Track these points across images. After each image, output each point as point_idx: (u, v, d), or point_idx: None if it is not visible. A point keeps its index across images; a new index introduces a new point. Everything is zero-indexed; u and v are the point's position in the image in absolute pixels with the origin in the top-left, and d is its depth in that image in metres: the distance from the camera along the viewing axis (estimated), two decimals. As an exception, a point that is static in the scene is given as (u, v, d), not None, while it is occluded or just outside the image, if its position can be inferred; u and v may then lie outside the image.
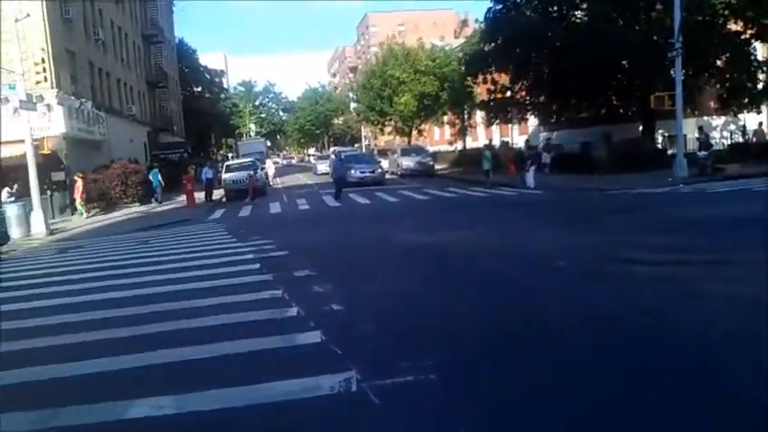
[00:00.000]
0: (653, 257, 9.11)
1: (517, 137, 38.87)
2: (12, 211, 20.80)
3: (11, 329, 7.62)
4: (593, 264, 9.05)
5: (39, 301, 9.18)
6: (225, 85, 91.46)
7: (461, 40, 59.42)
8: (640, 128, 30.56)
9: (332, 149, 61.57)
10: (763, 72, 28.38)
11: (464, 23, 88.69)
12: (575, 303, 6.95)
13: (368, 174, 31.65)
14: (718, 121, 33.60)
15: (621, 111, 31.49)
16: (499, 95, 34.10)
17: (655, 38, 26.31)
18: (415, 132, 56.17)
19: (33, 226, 20.89)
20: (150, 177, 30.58)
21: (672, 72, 23.98)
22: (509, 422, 4.20)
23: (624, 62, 28.40)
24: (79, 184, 24.49)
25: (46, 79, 22.10)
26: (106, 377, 5.64)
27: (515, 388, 4.70)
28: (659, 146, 30.95)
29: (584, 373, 4.90)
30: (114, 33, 39.06)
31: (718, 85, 28.91)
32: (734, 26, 27.63)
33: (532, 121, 39.96)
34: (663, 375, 4.72)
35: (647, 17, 28.16)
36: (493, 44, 32.53)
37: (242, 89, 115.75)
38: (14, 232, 20.53)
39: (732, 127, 33.22)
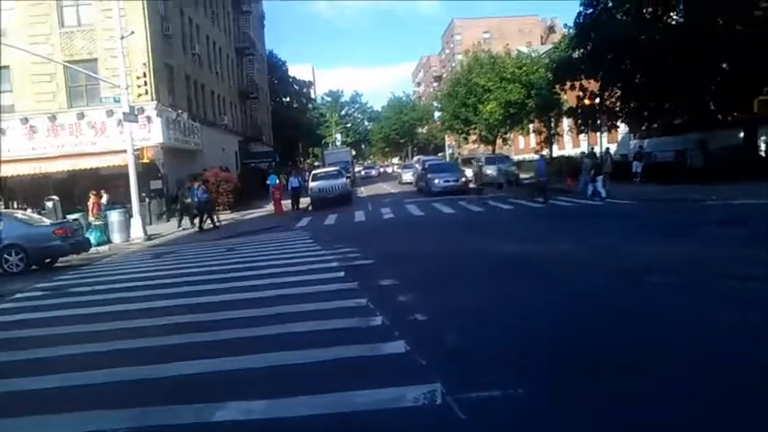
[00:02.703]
0: (756, 273, 8.53)
1: (606, 145, 37.58)
2: (114, 217, 22.09)
3: (114, 329, 8.03)
4: (689, 278, 8.57)
5: (135, 304, 9.64)
6: (312, 96, 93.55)
7: (548, 47, 58.24)
8: (741, 134, 28.82)
9: (416, 158, 61.60)
10: None
11: (551, 29, 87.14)
12: (666, 322, 6.59)
13: (452, 183, 31.45)
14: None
15: (720, 116, 29.84)
16: (588, 102, 33.12)
17: (760, 37, 24.77)
18: (499, 141, 55.44)
19: (133, 231, 22.04)
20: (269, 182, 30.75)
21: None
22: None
23: (724, 65, 26.94)
24: (91, 201, 24.51)
25: (147, 92, 23.26)
26: (196, 380, 5.83)
27: (605, 408, 4.49)
28: (763, 154, 29.09)
29: (681, 392, 4.63)
30: (209, 48, 40.79)
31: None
32: None
33: (622, 129, 38.56)
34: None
35: (750, 15, 26.56)
36: (582, 50, 31.70)
37: (329, 99, 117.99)
38: (115, 237, 21.79)
39: None
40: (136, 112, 23.33)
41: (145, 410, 5.15)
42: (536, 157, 29.95)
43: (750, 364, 5.11)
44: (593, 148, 35.54)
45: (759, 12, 25.67)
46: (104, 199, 25.05)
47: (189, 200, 24.78)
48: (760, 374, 4.88)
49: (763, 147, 29.67)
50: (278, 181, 30.90)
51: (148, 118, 26.99)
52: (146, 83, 22.81)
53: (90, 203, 24.27)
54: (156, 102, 27.74)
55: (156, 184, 28.24)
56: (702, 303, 7.12)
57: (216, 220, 24.17)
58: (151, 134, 27.27)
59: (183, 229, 24.26)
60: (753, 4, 25.43)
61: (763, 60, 23.08)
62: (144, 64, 26.26)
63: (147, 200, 26.46)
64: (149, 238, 22.05)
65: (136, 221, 22.21)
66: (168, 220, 28.25)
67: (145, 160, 24.92)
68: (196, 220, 24.34)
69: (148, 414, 5.09)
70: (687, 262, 9.77)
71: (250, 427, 4.74)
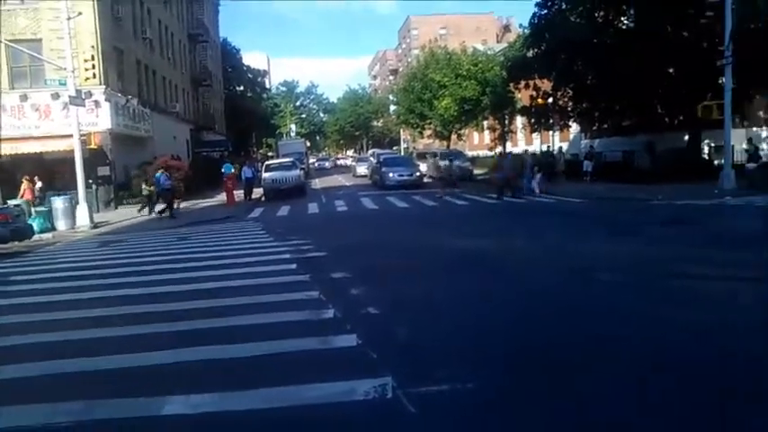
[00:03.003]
0: (699, 271, 8.82)
1: (558, 143, 38.31)
2: (58, 203, 21.39)
3: (56, 320, 7.77)
4: (636, 276, 8.81)
5: (74, 294, 9.35)
6: (267, 86, 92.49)
7: (503, 45, 58.92)
8: (686, 137, 29.81)
9: (370, 151, 61.61)
10: (817, 83, 27.45)
11: (506, 28, 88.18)
12: (615, 319, 6.76)
13: (406, 177, 31.56)
14: (768, 132, 32.59)
15: (667, 119, 30.75)
16: (541, 101, 33.67)
17: (704, 45, 25.65)
18: (454, 136, 55.90)
19: (78, 219, 21.39)
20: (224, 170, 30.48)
21: (721, 81, 23.34)
22: (548, 437, 4.08)
23: (671, 70, 27.77)
24: (24, 187, 23.85)
25: (95, 76, 22.55)
26: (142, 372, 5.69)
27: (555, 404, 4.57)
28: (705, 156, 30.14)
29: (630, 391, 4.74)
30: (161, 32, 39.86)
31: (769, 96, 28.10)
32: (788, 35, 26.78)
33: (574, 128, 39.36)
34: (703, 388, 4.54)
35: (695, 24, 27.46)
36: (536, 50, 32.17)
37: (284, 89, 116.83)
38: (60, 224, 21.12)
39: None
40: (83, 96, 22.60)
41: (89, 403, 4.99)
42: (490, 153, 30.42)
43: (696, 363, 5.26)
44: (549, 147, 36.22)
45: (704, 20, 26.55)
46: (39, 185, 24.19)
47: (153, 187, 24.27)
48: (706, 372, 5.03)
49: (705, 150, 30.75)
50: (233, 170, 30.40)
51: (96, 102, 26.18)
52: (94, 66, 22.10)
53: (22, 189, 23.44)
54: (104, 86, 26.95)
55: (103, 171, 27.43)
56: (648, 302, 7.30)
57: (175, 208, 23.81)
58: (99, 119, 26.50)
59: (152, 216, 23.79)
60: (699, 12, 26.27)
61: (707, 67, 23.89)
62: (92, 46, 25.50)
63: (94, 187, 25.71)
64: (96, 225, 21.44)
65: (82, 208, 21.54)
66: (116, 208, 27.54)
67: (92, 146, 24.15)
68: (157, 207, 23.90)
69: (94, 407, 4.93)
70: (634, 261, 10.02)
71: (198, 420, 4.64)
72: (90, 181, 24.46)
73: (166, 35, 41.18)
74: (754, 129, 31.00)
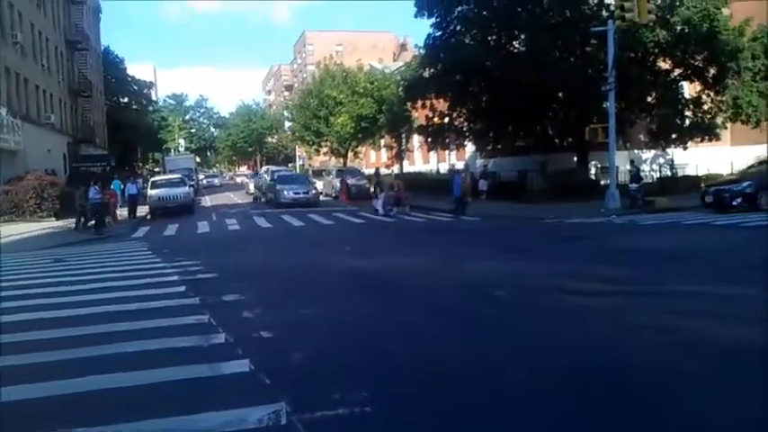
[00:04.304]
0: (589, 287, 9.36)
1: (454, 162, 39.55)
2: None
3: None
4: (528, 294, 9.21)
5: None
6: (153, 98, 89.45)
7: (400, 64, 60.30)
8: (575, 158, 31.67)
9: (264, 168, 60.93)
10: (689, 109, 30.09)
11: (403, 47, 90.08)
12: (512, 336, 7.03)
13: (302, 195, 31.41)
14: (648, 154, 35.23)
15: (557, 141, 32.55)
16: (437, 121, 34.64)
17: (590, 71, 27.45)
18: (351, 154, 56.35)
19: (-66, 239, 19.69)
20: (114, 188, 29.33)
21: (605, 105, 25.04)
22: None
23: (560, 94, 29.48)
24: None
25: (-44, 82, 21.02)
26: (23, 405, 5.29)
27: (451, 425, 4.67)
28: (593, 177, 32.12)
29: (524, 409, 4.93)
30: (34, 37, 37.67)
31: (648, 120, 30.46)
32: (663, 64, 29.24)
33: (470, 148, 40.80)
34: (599, 409, 4.80)
35: (582, 51, 29.37)
36: (432, 70, 33.14)
37: (172, 102, 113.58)
38: None
39: (661, 161, 34.89)
40: (-58, 104, 20.97)
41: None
42: (387, 171, 31.11)
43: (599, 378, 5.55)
44: (453, 166, 37.25)
45: (589, 48, 28.49)
46: None
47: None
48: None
49: (593, 170, 32.80)
50: (122, 187, 29.22)
51: (-42, 111, 24.38)
52: (-44, 71, 20.60)
53: None
54: (-33, 93, 25.14)
55: (-36, 186, 25.51)
56: (544, 319, 7.66)
57: (104, 224, 23.05)
58: (-39, 130, 24.68)
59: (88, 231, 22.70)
60: (584, 40, 28.15)
61: (593, 92, 25.60)
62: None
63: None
64: (-45, 247, 19.80)
65: (-62, 228, 19.88)
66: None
67: (-48, 159, 22.43)
68: (90, 223, 23.04)
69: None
70: (525, 278, 10.48)
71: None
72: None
73: (40, 40, 38.96)
74: (636, 151, 33.47)
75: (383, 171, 40.72)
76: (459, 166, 37.22)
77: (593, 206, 23.16)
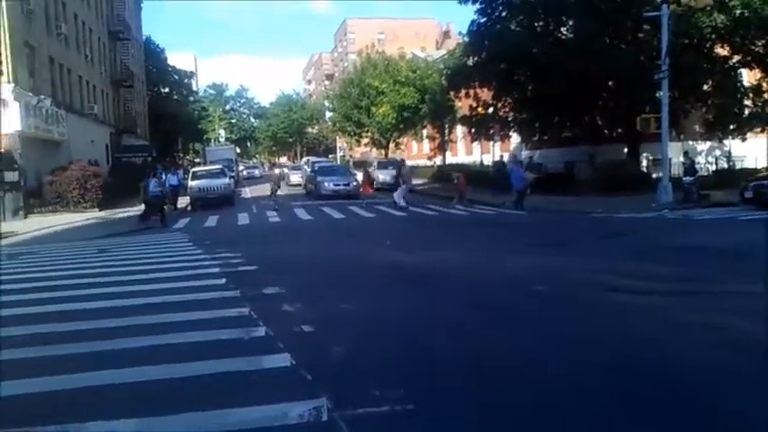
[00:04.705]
0: (636, 285, 9.18)
1: (498, 154, 39.20)
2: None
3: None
4: (572, 290, 9.07)
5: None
6: (194, 88, 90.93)
7: (443, 52, 59.93)
8: (625, 150, 31.04)
9: (305, 159, 61.35)
10: (749, 98, 29.07)
11: (446, 34, 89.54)
12: (555, 332, 6.95)
13: (342, 186, 31.58)
14: (703, 146, 34.28)
15: (606, 131, 31.95)
16: (481, 111, 34.35)
17: (642, 58, 26.82)
18: (392, 145, 56.32)
19: (-18, 229, 20.40)
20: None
21: (658, 94, 24.44)
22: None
23: (610, 82, 28.89)
24: None
25: (2, 73, 21.69)
26: (64, 395, 5.45)
27: (494, 421, 4.65)
28: (644, 169, 31.43)
29: (567, 405, 4.87)
30: (78, 28, 38.61)
31: (704, 110, 29.57)
32: (721, 50, 28.35)
33: (515, 139, 40.39)
34: (643, 406, 4.72)
35: (634, 37, 28.72)
36: (476, 58, 32.83)
37: (212, 92, 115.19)
38: (-39, 235, 20.08)
39: (717, 153, 33.91)
40: (-11, 95, 21.68)
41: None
42: (429, 163, 31.02)
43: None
44: (501, 157, 36.82)
45: (642, 34, 27.81)
46: None
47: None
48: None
49: (644, 163, 32.08)
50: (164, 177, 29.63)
51: (4, 102, 25.13)
52: (1, 62, 21.26)
53: None
54: (13, 84, 25.90)
55: (11, 177, 26.24)
56: (586, 315, 7.54)
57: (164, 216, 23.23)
58: (7, 120, 25.42)
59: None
60: (637, 26, 27.51)
61: (645, 80, 24.98)
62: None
63: (0, 194, 24.60)
64: (3, 236, 20.47)
65: (-15, 218, 20.60)
66: (26, 217, 26.40)
67: (-2, 149, 23.19)
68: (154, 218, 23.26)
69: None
70: (571, 274, 10.33)
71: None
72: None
73: (84, 31, 39.93)
74: (690, 142, 32.60)
75: (423, 163, 40.59)
76: (505, 157, 36.88)
77: (644, 200, 22.67)
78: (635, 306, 8.01)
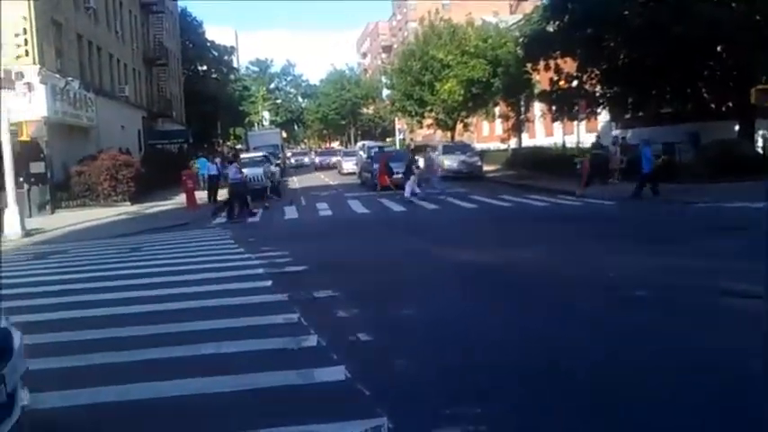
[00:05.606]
0: (756, 289, 8.85)
1: (584, 135, 38.47)
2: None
3: None
4: (679, 295, 8.82)
5: (14, 317, 9.27)
6: (235, 65, 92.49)
7: (518, 17, 59.15)
8: (736, 127, 30.00)
9: (359, 144, 61.62)
10: None
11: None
12: (657, 343, 6.78)
13: (402, 175, 31.55)
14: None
15: (713, 106, 30.98)
16: (563, 85, 33.80)
17: (757, 18, 25.84)
18: (460, 126, 55.99)
19: (7, 226, 21.22)
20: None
21: (778, 60, 23.56)
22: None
23: (719, 47, 27.96)
24: None
25: (27, 53, 22.51)
26: (112, 408, 5.66)
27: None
28: (759, 150, 30.33)
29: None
30: (108, 2, 39.77)
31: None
32: None
33: (603, 117, 39.56)
34: None
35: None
36: (557, 24, 32.32)
37: (255, 69, 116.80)
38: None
39: None
40: (13, 78, 22.47)
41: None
42: (503, 146, 30.65)
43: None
44: (598, 138, 36.09)
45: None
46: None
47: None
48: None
49: (760, 142, 30.93)
50: (212, 167, 30.30)
51: (29, 85, 26.00)
52: (26, 41, 22.09)
53: None
54: (39, 66, 26.80)
55: (37, 168, 27.28)
56: (695, 323, 7.34)
57: (246, 209, 23.48)
58: (33, 105, 26.35)
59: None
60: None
61: (761, 45, 24.06)
62: (24, 18, 25.39)
63: (26, 187, 25.62)
64: (29, 233, 21.32)
65: (11, 213, 21.36)
66: (53, 212, 27.40)
67: (24, 138, 24.08)
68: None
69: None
70: (679, 275, 10.04)
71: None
72: (21, 180, 24.36)
73: (114, 5, 41.11)
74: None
75: (495, 146, 39.94)
76: (592, 138, 36.16)
77: (761, 187, 21.85)
78: (757, 315, 7.74)
